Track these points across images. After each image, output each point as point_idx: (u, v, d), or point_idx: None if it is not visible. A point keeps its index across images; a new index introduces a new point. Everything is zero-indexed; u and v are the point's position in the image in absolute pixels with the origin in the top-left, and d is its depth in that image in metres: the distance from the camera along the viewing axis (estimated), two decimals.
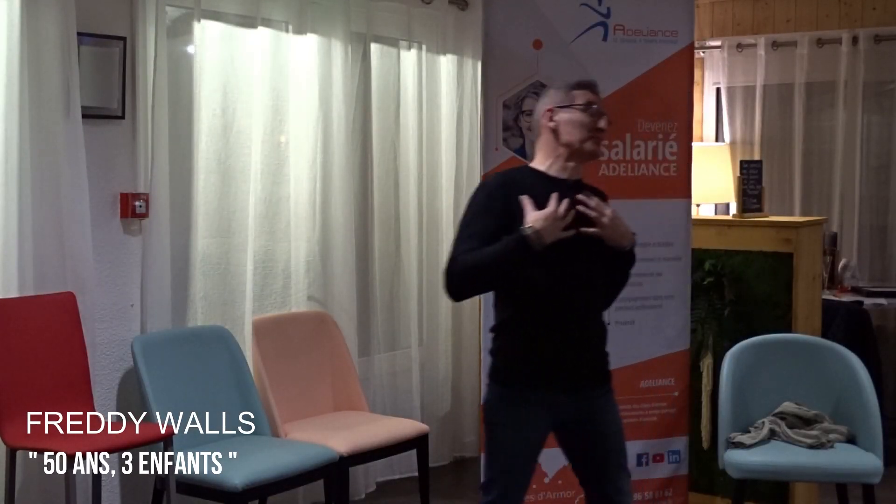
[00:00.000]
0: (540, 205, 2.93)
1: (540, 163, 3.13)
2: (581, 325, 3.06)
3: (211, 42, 4.54)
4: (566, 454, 3.18)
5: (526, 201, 2.92)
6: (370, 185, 5.20)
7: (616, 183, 4.12)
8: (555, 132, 3.08)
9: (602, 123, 3.08)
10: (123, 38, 4.16)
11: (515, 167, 3.23)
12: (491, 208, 2.99)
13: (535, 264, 2.93)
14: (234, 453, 4.02)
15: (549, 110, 3.09)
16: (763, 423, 3.97)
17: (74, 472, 3.45)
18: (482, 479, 3.15)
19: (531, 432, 3.04)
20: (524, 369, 3.02)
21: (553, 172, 3.08)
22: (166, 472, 3.76)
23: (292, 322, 4.82)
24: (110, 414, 4.19)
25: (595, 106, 3.09)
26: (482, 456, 4.09)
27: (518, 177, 3.10)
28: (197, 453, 3.99)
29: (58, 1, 3.85)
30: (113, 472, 4.18)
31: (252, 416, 4.31)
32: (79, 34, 3.94)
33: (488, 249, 2.91)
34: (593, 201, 3.01)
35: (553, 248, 2.90)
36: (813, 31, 6.46)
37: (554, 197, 2.92)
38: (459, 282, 2.97)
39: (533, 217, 2.89)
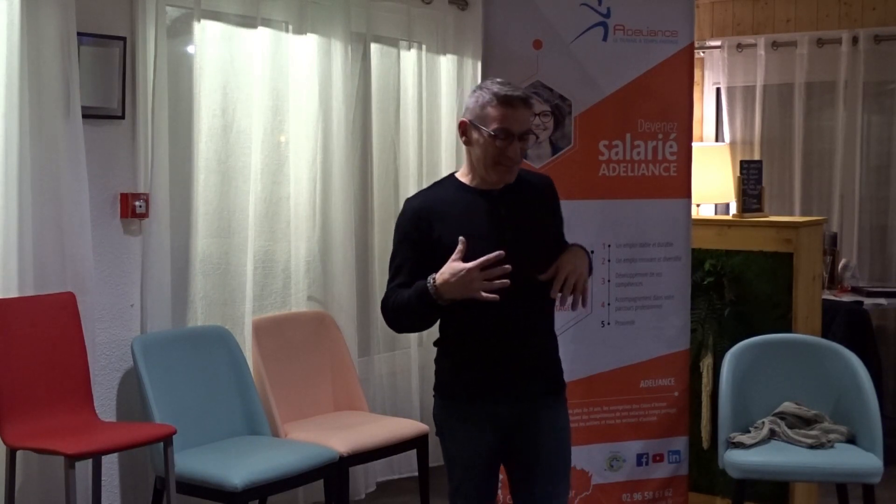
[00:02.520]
0: (465, 223, 2.79)
1: (463, 173, 2.94)
2: (519, 333, 2.88)
3: (211, 42, 4.54)
4: (506, 470, 3.00)
5: (460, 245, 2.72)
6: (370, 185, 5.20)
7: (616, 183, 4.12)
8: (468, 147, 2.89)
9: (513, 152, 2.80)
10: (123, 38, 4.16)
11: (441, 180, 3.01)
12: (409, 237, 2.86)
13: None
14: (234, 453, 4.02)
15: (463, 123, 2.87)
16: (763, 423, 3.97)
17: (74, 472, 3.45)
18: (449, 490, 3.01)
19: (477, 445, 2.91)
20: (462, 381, 2.91)
21: (475, 185, 2.89)
22: (166, 472, 3.76)
23: (292, 322, 4.82)
24: (110, 414, 4.19)
25: (507, 132, 2.78)
26: None
27: (440, 195, 2.90)
28: (197, 453, 3.99)
29: (58, 1, 3.85)
30: (113, 472, 4.18)
31: (252, 416, 4.32)
32: (79, 34, 3.94)
33: (403, 296, 2.81)
34: (565, 280, 2.77)
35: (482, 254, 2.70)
36: (813, 31, 6.46)
37: (462, 242, 2.71)
38: (392, 324, 2.95)
39: (445, 269, 2.71)
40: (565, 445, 2.98)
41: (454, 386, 2.94)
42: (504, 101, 2.79)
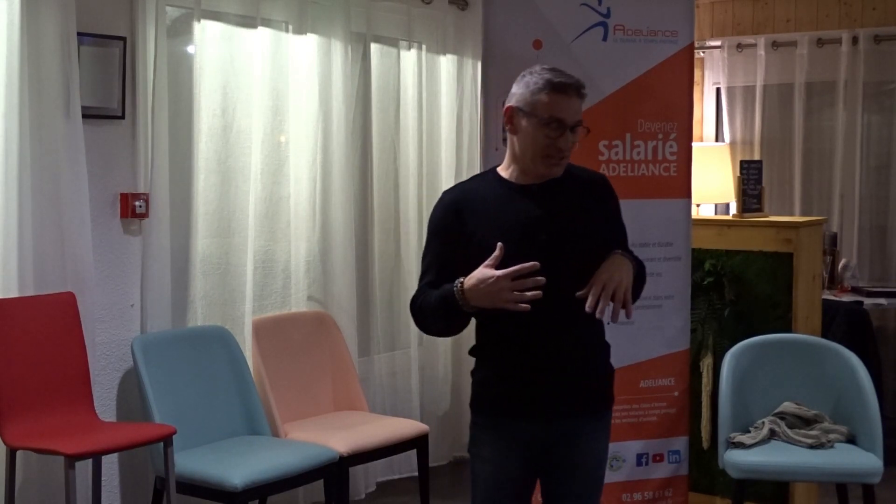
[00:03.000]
0: (497, 221, 2.62)
1: (504, 166, 2.74)
2: (557, 346, 2.65)
3: (211, 42, 4.54)
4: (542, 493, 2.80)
5: (497, 251, 2.52)
6: (370, 185, 5.20)
7: (616, 183, 4.08)
8: (513, 137, 2.68)
9: (564, 143, 2.61)
10: (123, 38, 4.16)
11: (480, 174, 2.84)
12: (439, 231, 2.70)
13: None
14: (234, 453, 4.02)
15: (510, 109, 2.67)
16: (763, 423, 3.97)
17: (74, 472, 3.45)
18: None
19: (505, 465, 2.70)
20: (492, 395, 2.72)
21: (515, 179, 2.70)
22: (166, 472, 3.76)
23: (292, 322, 4.82)
24: (110, 414, 4.19)
25: (559, 121, 2.60)
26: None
27: (477, 187, 2.72)
28: (197, 453, 3.99)
29: (58, 1, 3.85)
30: (113, 472, 4.18)
31: (252, 416, 4.31)
32: (79, 34, 3.94)
33: (431, 297, 2.62)
34: (601, 291, 2.53)
35: (517, 262, 2.50)
36: (813, 31, 6.46)
37: (499, 248, 2.51)
38: (420, 326, 2.76)
39: (476, 274, 2.52)
40: (601, 473, 2.79)
41: (484, 400, 2.76)
42: (558, 88, 2.61)
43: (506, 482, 2.72)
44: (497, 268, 2.51)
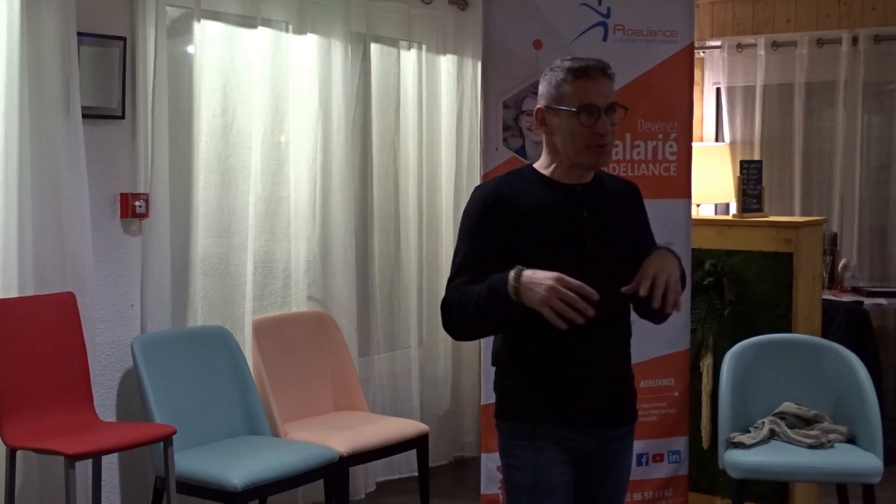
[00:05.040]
0: (542, 221, 2.52)
1: (543, 164, 2.63)
2: (598, 353, 2.58)
3: (211, 42, 4.54)
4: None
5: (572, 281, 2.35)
6: (370, 185, 5.20)
7: None
8: (549, 136, 2.59)
9: (603, 128, 2.51)
10: (123, 38, 4.16)
11: (518, 168, 2.70)
12: (485, 226, 2.53)
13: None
14: (234, 453, 4.02)
15: (539, 111, 2.59)
16: (763, 423, 3.97)
17: (74, 472, 3.45)
18: None
19: (548, 472, 2.57)
20: (531, 401, 2.58)
21: (558, 178, 2.59)
22: (166, 472, 3.76)
23: (292, 322, 4.82)
24: (110, 414, 4.19)
25: (590, 107, 2.50)
26: (482, 458, 4.10)
27: (517, 183, 2.59)
28: (197, 453, 3.99)
29: (58, 1, 3.85)
30: (113, 472, 4.18)
31: (252, 416, 4.32)
32: (79, 34, 3.94)
33: (474, 290, 2.46)
34: (645, 284, 2.43)
35: (561, 265, 2.41)
36: (813, 31, 6.46)
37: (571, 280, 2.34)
38: (454, 327, 2.55)
39: (539, 270, 2.37)
40: (626, 484, 2.73)
41: (519, 407, 2.59)
42: (580, 73, 2.51)
43: (550, 490, 2.59)
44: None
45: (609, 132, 2.52)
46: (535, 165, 2.65)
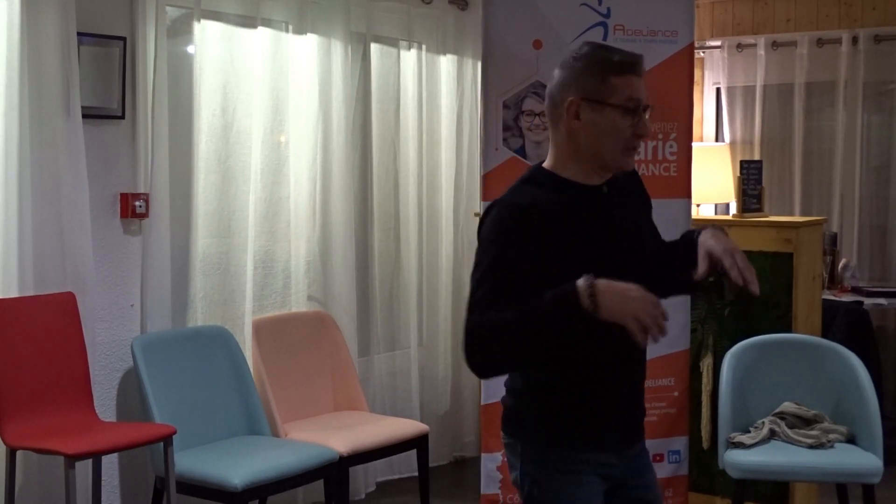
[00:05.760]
0: (579, 228, 2.28)
1: (556, 164, 2.35)
2: (631, 367, 2.47)
3: (211, 42, 4.54)
4: None
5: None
6: (370, 185, 5.20)
7: None
8: (577, 132, 2.31)
9: (643, 128, 2.32)
10: (123, 38, 4.16)
11: (528, 175, 2.39)
12: (521, 241, 2.23)
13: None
14: (234, 453, 4.02)
15: (577, 102, 2.28)
16: (763, 423, 3.97)
17: (74, 472, 3.45)
18: None
19: (588, 499, 2.38)
20: (567, 426, 2.35)
21: (581, 180, 2.34)
22: (166, 472, 3.76)
23: (292, 322, 4.82)
24: (110, 414, 4.19)
25: (639, 103, 2.31)
26: (482, 458, 4.10)
27: (538, 192, 2.30)
28: (197, 453, 3.99)
29: (58, 1, 3.85)
30: (113, 472, 4.18)
31: (252, 416, 4.32)
32: (79, 34, 3.94)
33: (524, 311, 2.16)
34: (737, 261, 2.21)
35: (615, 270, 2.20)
36: (813, 31, 6.46)
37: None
38: (489, 356, 2.22)
39: (621, 284, 2.13)
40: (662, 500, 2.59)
41: (554, 432, 2.35)
42: (629, 67, 2.32)
43: None
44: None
45: (648, 132, 2.36)
46: (546, 166, 2.38)
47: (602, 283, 2.13)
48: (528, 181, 2.37)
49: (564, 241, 2.26)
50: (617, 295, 2.12)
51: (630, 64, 2.33)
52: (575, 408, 2.35)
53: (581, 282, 2.13)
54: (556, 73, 2.35)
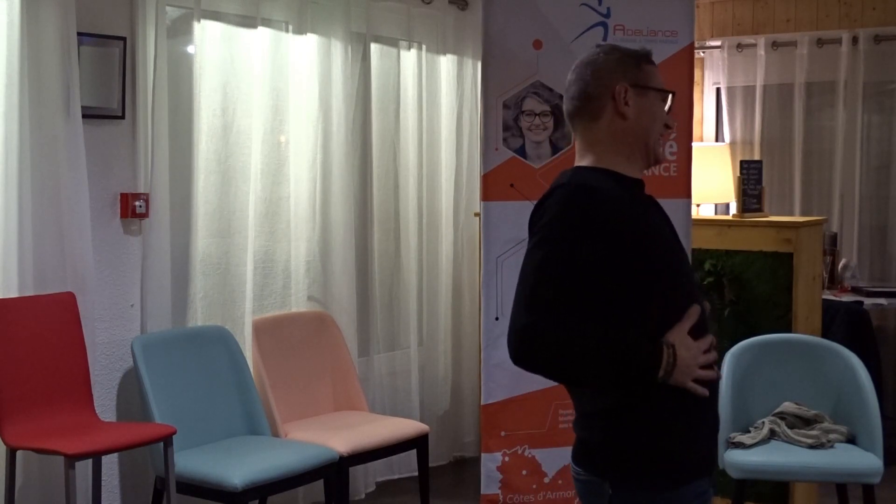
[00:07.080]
0: (652, 228, 2.17)
1: (603, 162, 2.19)
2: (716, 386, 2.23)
3: (211, 42, 4.54)
4: None
5: (693, 313, 2.06)
6: (370, 185, 5.20)
7: None
8: (623, 121, 2.19)
9: (670, 119, 2.26)
10: (123, 38, 4.16)
11: (580, 169, 2.21)
12: (603, 234, 2.04)
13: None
14: (234, 453, 4.02)
15: (625, 88, 2.18)
16: (763, 423, 3.97)
17: (74, 472, 3.45)
18: None
19: None
20: (682, 457, 2.09)
21: (631, 174, 2.22)
22: (166, 472, 3.76)
23: (292, 322, 4.82)
24: (110, 414, 4.19)
25: (671, 91, 2.25)
26: (482, 458, 4.10)
27: (604, 184, 2.14)
28: (197, 453, 3.99)
29: (58, 1, 3.85)
30: (113, 472, 4.18)
31: (252, 416, 4.32)
32: (79, 34, 3.94)
33: (605, 340, 2.01)
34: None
35: (689, 294, 2.12)
36: (813, 31, 6.46)
37: (694, 309, 2.06)
38: (550, 365, 2.03)
39: (683, 340, 2.03)
40: None
41: (666, 462, 2.08)
42: (648, 57, 2.25)
43: None
44: (677, 301, 2.07)
45: (674, 125, 2.26)
46: (592, 163, 2.20)
47: (682, 354, 2.02)
48: (581, 170, 2.20)
49: (644, 241, 2.09)
50: (688, 366, 2.02)
51: (649, 54, 2.26)
52: (690, 426, 2.10)
53: (665, 354, 2.01)
54: (580, 73, 2.24)
